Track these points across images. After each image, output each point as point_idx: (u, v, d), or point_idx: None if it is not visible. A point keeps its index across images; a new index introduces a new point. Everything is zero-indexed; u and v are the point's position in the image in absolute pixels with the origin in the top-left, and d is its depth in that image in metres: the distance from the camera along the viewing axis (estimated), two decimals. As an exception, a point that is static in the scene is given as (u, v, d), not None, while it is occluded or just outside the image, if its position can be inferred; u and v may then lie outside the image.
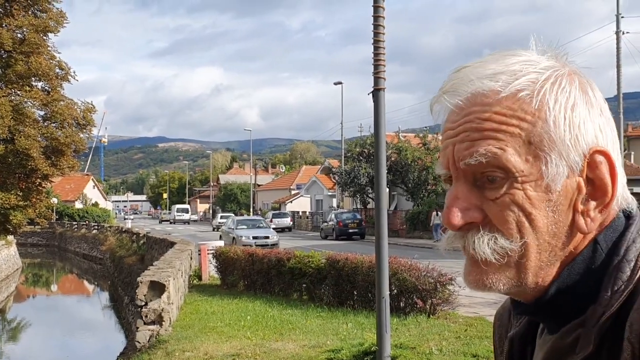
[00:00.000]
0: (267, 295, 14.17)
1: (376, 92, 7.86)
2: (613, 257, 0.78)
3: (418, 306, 10.60)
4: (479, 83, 0.79)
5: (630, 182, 1.09)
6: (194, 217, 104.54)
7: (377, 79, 7.83)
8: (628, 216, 0.82)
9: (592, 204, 0.79)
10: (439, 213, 41.72)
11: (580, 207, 0.79)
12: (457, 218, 0.81)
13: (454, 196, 0.81)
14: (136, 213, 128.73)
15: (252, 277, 15.21)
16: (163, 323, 9.95)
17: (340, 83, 50.64)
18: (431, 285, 10.54)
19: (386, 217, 7.94)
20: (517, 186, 0.78)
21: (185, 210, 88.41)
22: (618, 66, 23.71)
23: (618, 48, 24.46)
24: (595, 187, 0.79)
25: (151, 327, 9.89)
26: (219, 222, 56.30)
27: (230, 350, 8.76)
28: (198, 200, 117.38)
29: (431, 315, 10.41)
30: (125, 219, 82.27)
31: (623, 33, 24.62)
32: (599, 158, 0.79)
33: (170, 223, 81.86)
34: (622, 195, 0.81)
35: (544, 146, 0.77)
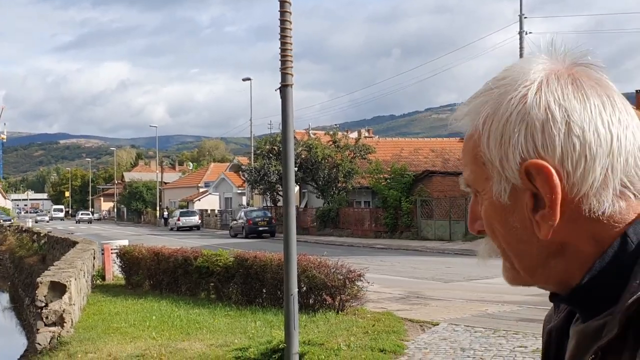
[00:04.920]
0: (173, 295, 13.90)
1: (284, 89, 7.88)
2: None
3: (327, 303, 10.71)
4: (456, 124, 0.94)
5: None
6: (97, 215, 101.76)
7: (284, 75, 7.85)
8: None
9: (541, 212, 0.83)
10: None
11: (533, 215, 0.84)
12: (471, 227, 0.94)
13: (469, 209, 0.94)
14: (36, 212, 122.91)
15: (158, 276, 14.88)
16: (65, 324, 9.58)
17: (249, 79, 50.32)
18: (340, 282, 10.67)
19: (295, 214, 7.99)
20: (482, 202, 0.90)
21: (60, 210, 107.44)
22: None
23: (521, 48, 25.47)
24: (539, 197, 0.83)
25: (52, 328, 9.50)
26: (80, 217, 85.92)
27: (134, 351, 8.55)
28: (102, 198, 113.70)
29: (340, 312, 10.54)
30: (37, 220, 78.74)
31: (526, 33, 25.65)
32: (533, 171, 0.82)
33: (47, 221, 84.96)
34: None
35: (487, 166, 0.87)
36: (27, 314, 23.44)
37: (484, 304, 11.78)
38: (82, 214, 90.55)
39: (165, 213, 67.12)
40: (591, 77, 0.87)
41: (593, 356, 0.80)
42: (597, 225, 0.83)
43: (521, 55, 25.20)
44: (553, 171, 0.82)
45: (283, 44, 7.82)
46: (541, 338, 1.01)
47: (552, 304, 0.99)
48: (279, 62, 7.85)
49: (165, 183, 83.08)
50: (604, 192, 0.83)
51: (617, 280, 0.82)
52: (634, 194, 0.84)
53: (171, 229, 56.02)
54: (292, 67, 7.92)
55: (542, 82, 0.85)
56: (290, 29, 7.79)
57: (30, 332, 20.34)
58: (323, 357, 7.60)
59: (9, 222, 58.26)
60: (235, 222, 44.67)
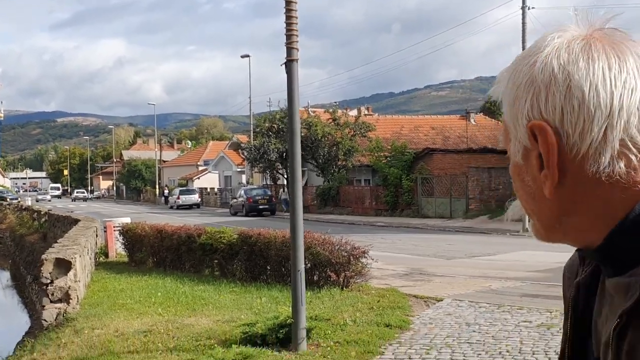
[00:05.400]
0: (177, 272, 13.95)
1: (289, 63, 7.82)
2: None
3: (332, 279, 10.75)
4: (493, 92, 0.98)
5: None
6: (96, 194, 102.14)
7: (290, 49, 7.80)
8: None
9: (544, 172, 0.87)
10: (286, 190, 43.92)
11: (539, 175, 0.88)
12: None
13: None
14: (35, 190, 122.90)
15: (162, 253, 14.92)
16: (70, 301, 9.62)
17: (247, 56, 49.97)
18: (345, 259, 10.70)
19: (301, 191, 7.99)
20: (509, 162, 0.95)
21: (57, 189, 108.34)
22: (523, 41, 24.37)
23: (524, 24, 25.13)
24: (543, 158, 0.88)
25: (58, 305, 9.54)
26: (75, 195, 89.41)
27: (141, 327, 8.59)
28: (101, 176, 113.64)
29: (344, 288, 10.59)
30: (38, 199, 78.38)
31: (529, 8, 25.37)
32: (536, 131, 0.87)
33: (49, 200, 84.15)
34: None
35: (507, 128, 0.93)
36: (29, 291, 23.53)
37: (487, 280, 11.83)
38: (77, 192, 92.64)
39: (166, 191, 67.07)
40: (608, 40, 0.89)
41: (618, 320, 0.82)
42: (604, 185, 0.86)
43: (524, 32, 24.93)
44: (550, 131, 0.86)
45: (288, 17, 7.75)
46: (562, 286, 1.03)
47: (560, 274, 1.05)
48: (285, 36, 7.79)
49: (164, 161, 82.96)
50: (604, 152, 0.85)
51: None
52: (637, 155, 0.85)
53: (171, 207, 56.03)
54: (297, 41, 7.87)
55: (554, 48, 0.90)
56: (296, 2, 7.73)
57: (32, 309, 20.43)
58: (330, 332, 7.65)
59: (16, 201, 58.23)
60: (235, 200, 44.69)
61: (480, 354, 6.60)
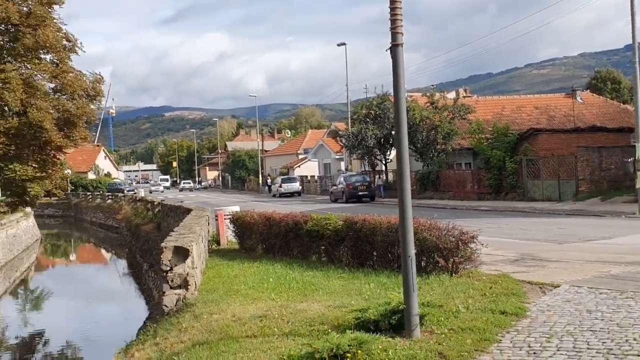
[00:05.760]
0: (285, 258, 14.25)
1: (394, 48, 7.76)
2: None
3: (440, 265, 10.64)
4: None
5: None
6: (203, 184, 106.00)
7: (394, 34, 7.73)
8: None
9: None
10: (382, 176, 43.01)
11: None
12: None
13: None
14: (147, 182, 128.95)
15: (270, 240, 15.29)
16: (189, 287, 10.06)
17: (343, 44, 50.10)
18: (453, 244, 10.55)
19: (409, 175, 7.96)
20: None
21: (166, 180, 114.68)
22: (632, 14, 22.93)
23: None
24: None
25: (177, 291, 10.00)
26: (182, 186, 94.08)
27: (257, 312, 8.85)
28: (207, 167, 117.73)
29: (453, 274, 10.44)
30: (151, 191, 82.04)
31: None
32: None
33: (162, 191, 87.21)
34: None
35: None
36: (145, 278, 24.78)
37: (605, 265, 11.32)
38: (184, 183, 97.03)
39: (269, 180, 68.67)
40: None
41: None
42: None
43: (632, 7, 23.39)
44: None
45: (392, 2, 7.69)
46: None
47: None
48: (389, 21, 7.73)
49: (266, 151, 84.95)
50: None
51: None
52: None
53: (274, 196, 57.30)
54: (402, 25, 7.79)
55: None
56: (401, -12, 7.65)
57: (150, 296, 21.52)
58: (442, 318, 7.58)
59: (132, 192, 61.43)
60: (335, 187, 45.06)
61: (605, 342, 6.34)
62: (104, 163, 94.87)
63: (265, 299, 9.85)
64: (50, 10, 29.26)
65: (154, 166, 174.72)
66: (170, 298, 10.04)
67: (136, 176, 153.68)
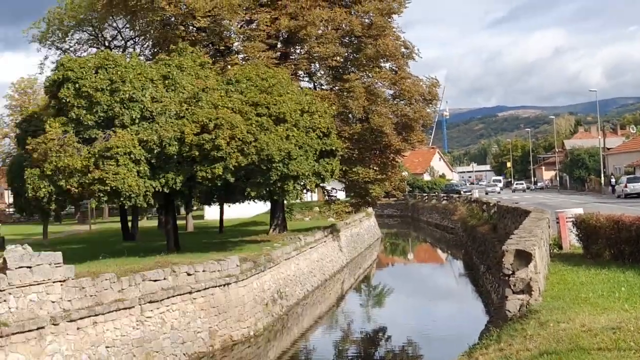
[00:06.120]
0: (638, 265, 12.94)
1: None
2: None
3: None
4: None
5: None
6: (540, 184, 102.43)
7: None
8: None
9: None
10: None
11: None
12: None
13: None
14: (480, 183, 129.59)
15: (619, 246, 14.14)
16: (532, 293, 9.69)
17: None
18: None
19: None
20: None
21: (498, 181, 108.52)
22: None
23: None
24: None
25: (520, 296, 9.71)
26: (515, 187, 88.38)
27: (608, 323, 8.15)
28: (543, 167, 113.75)
29: None
30: (487, 192, 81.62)
31: None
32: None
33: (498, 192, 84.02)
34: None
35: None
36: (482, 280, 24.75)
37: None
38: (516, 184, 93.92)
39: (612, 180, 63.49)
40: None
41: None
42: None
43: None
44: None
45: None
46: None
47: None
48: None
49: (608, 149, 78.77)
50: None
51: None
52: None
53: (618, 197, 52.73)
54: None
55: None
56: None
57: (487, 298, 21.40)
58: None
59: (469, 193, 62.34)
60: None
61: None
62: (438, 164, 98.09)
63: (618, 309, 9.05)
64: (389, 20, 31.11)
65: (487, 167, 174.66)
66: (513, 303, 9.79)
67: (469, 177, 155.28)
